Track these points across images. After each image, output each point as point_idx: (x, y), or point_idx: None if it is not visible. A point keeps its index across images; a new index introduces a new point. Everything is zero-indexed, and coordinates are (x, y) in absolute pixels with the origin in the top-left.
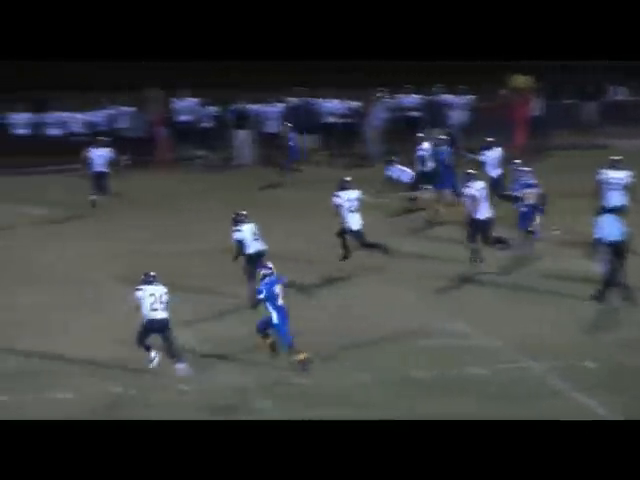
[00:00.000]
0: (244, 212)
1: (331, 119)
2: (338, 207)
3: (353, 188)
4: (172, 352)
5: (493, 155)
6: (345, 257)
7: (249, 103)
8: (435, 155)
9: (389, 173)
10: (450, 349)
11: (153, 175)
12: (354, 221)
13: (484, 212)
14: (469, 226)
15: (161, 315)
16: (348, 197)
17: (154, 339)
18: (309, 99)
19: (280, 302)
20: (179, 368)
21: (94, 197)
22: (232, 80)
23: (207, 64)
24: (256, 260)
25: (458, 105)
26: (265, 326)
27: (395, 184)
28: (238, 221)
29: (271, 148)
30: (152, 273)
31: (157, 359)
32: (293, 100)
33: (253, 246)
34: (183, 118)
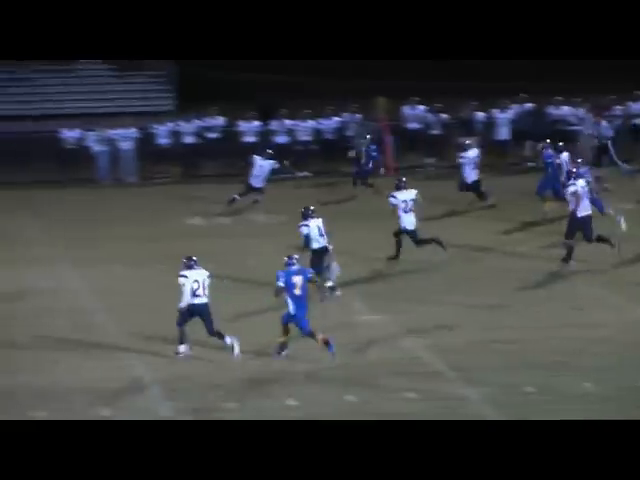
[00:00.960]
0: (312, 207)
1: (561, 126)
2: (394, 207)
3: (408, 188)
4: (214, 332)
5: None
6: (395, 258)
7: (477, 110)
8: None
9: None
10: None
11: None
12: (409, 221)
13: (584, 209)
14: (569, 223)
15: (202, 300)
16: (403, 198)
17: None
18: (540, 105)
19: (298, 292)
20: (229, 342)
21: (235, 196)
22: (460, 86)
23: (435, 71)
24: (320, 255)
25: None
26: (288, 319)
27: None
28: (306, 216)
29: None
30: (194, 257)
31: (185, 353)
32: (524, 106)
33: (318, 242)
34: (412, 126)
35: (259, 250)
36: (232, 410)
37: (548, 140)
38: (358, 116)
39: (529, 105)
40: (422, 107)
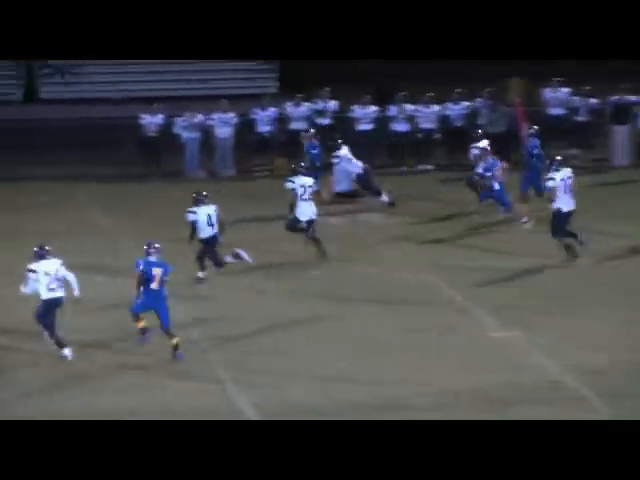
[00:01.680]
0: (204, 193)
1: None
2: (292, 193)
3: (306, 175)
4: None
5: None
6: (323, 255)
7: (632, 94)
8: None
9: None
10: None
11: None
12: (311, 210)
13: (568, 204)
14: (555, 221)
15: (56, 294)
16: (302, 183)
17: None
18: None
19: (155, 286)
20: (66, 353)
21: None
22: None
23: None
24: (208, 246)
25: None
26: (138, 309)
27: None
28: (197, 202)
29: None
30: (46, 247)
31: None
32: None
33: (205, 231)
34: (554, 111)
35: (371, 255)
36: None
37: (536, 127)
38: (489, 101)
39: None
40: (566, 90)
